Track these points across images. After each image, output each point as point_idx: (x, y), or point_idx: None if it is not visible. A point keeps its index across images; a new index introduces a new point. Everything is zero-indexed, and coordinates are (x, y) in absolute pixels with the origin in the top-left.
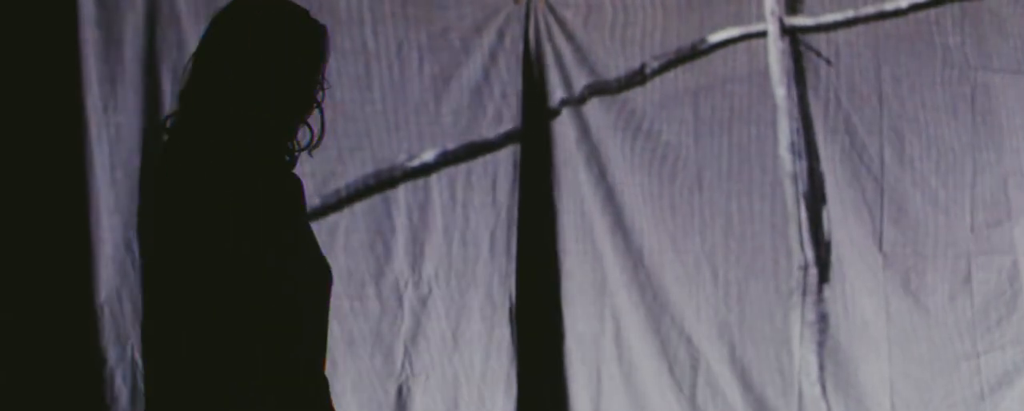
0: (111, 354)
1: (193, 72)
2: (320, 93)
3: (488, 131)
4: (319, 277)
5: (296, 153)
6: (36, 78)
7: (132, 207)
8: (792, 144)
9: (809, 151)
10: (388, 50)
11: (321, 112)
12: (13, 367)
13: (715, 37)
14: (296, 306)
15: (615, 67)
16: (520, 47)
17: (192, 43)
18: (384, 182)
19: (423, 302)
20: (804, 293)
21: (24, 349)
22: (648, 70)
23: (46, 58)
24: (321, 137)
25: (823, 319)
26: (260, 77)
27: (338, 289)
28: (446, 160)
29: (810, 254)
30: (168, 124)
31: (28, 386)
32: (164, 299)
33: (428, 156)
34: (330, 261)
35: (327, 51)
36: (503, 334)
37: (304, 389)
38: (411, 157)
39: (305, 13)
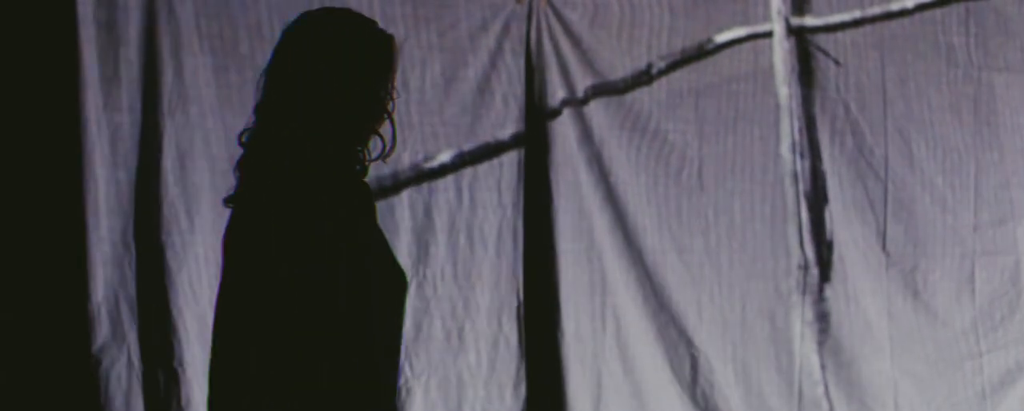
0: (107, 355)
1: (266, 85)
2: (390, 103)
3: (498, 132)
4: (396, 284)
5: (368, 162)
6: (35, 77)
7: (131, 208)
8: (794, 143)
9: (812, 150)
10: (407, 52)
11: (391, 122)
12: (9, 367)
13: (722, 37)
14: (373, 314)
15: (622, 67)
16: (522, 47)
17: (192, 43)
18: (401, 183)
19: (427, 302)
20: (804, 293)
21: (20, 349)
22: (655, 70)
23: (45, 57)
24: (393, 146)
25: (823, 318)
26: (332, 88)
27: None
28: (463, 161)
29: (810, 253)
30: (243, 138)
31: (24, 386)
32: (238, 311)
33: (445, 157)
34: None
35: (396, 61)
36: (510, 333)
37: (377, 398)
38: (427, 158)
39: (374, 24)
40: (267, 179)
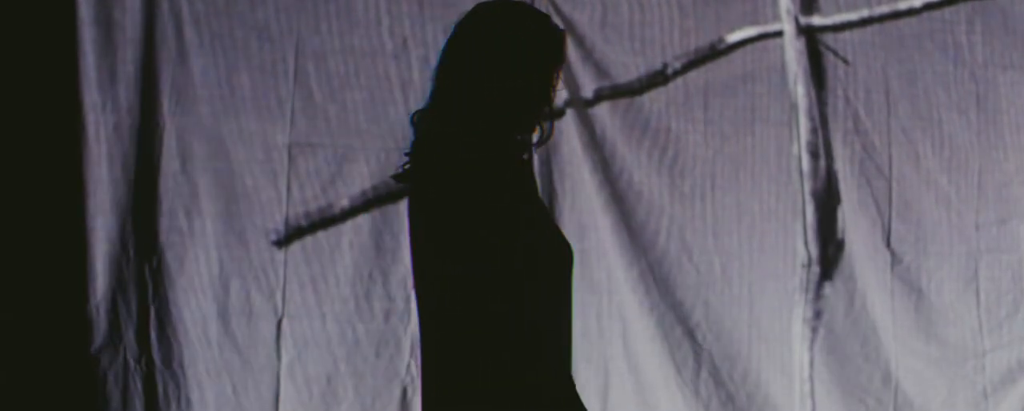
0: (106, 356)
1: (440, 73)
2: (554, 92)
3: None
4: (564, 256)
5: (534, 146)
6: (35, 77)
7: (130, 208)
8: (809, 143)
9: (826, 150)
10: (405, 49)
11: (551, 110)
12: (8, 368)
13: (733, 37)
14: (546, 284)
15: (635, 68)
16: None
17: (191, 42)
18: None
19: None
20: (805, 291)
21: (19, 350)
22: (670, 70)
23: (45, 57)
24: (551, 133)
25: (818, 316)
26: (503, 77)
27: (343, 291)
28: None
29: (814, 252)
30: (415, 120)
31: (23, 387)
32: (429, 290)
33: None
34: (333, 260)
35: (564, 53)
36: None
37: (556, 368)
38: None
39: (545, 17)
40: (440, 162)
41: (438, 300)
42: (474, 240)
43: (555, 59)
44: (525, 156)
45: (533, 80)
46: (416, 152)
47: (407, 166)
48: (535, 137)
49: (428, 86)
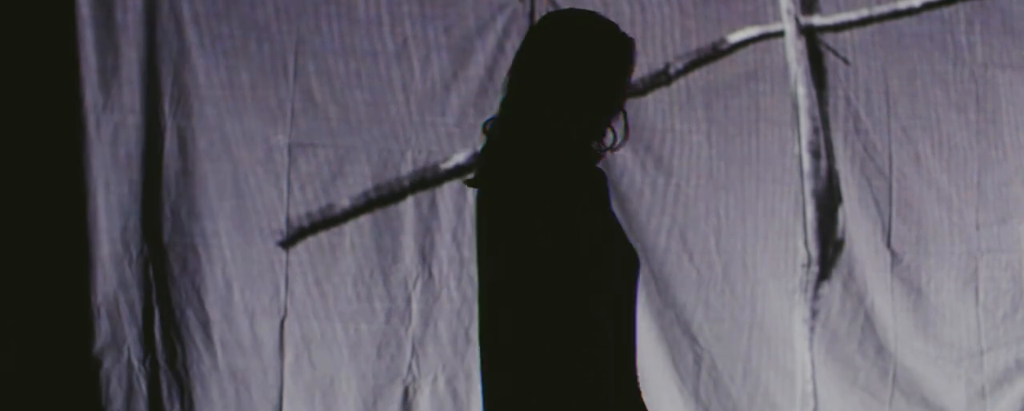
0: (107, 356)
1: (513, 80)
2: (625, 99)
3: None
4: (630, 263)
5: (603, 153)
6: (35, 77)
7: (131, 208)
8: (810, 143)
9: (827, 150)
10: (407, 50)
11: (625, 116)
12: (10, 368)
13: (735, 37)
14: (612, 293)
15: (637, 68)
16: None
17: (193, 43)
18: (428, 181)
19: (434, 302)
20: (804, 291)
21: (21, 350)
22: (673, 70)
23: (45, 57)
24: (625, 138)
25: (815, 315)
26: (576, 84)
27: (345, 291)
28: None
29: (814, 251)
30: (487, 128)
31: (24, 387)
32: (494, 293)
33: (460, 157)
34: (335, 260)
35: (634, 61)
36: None
37: (620, 374)
38: (445, 158)
39: (614, 26)
40: (514, 167)
41: (505, 312)
42: (545, 250)
43: (626, 66)
44: (598, 163)
45: (606, 87)
46: (488, 159)
47: (479, 173)
48: (607, 143)
49: (425, 89)
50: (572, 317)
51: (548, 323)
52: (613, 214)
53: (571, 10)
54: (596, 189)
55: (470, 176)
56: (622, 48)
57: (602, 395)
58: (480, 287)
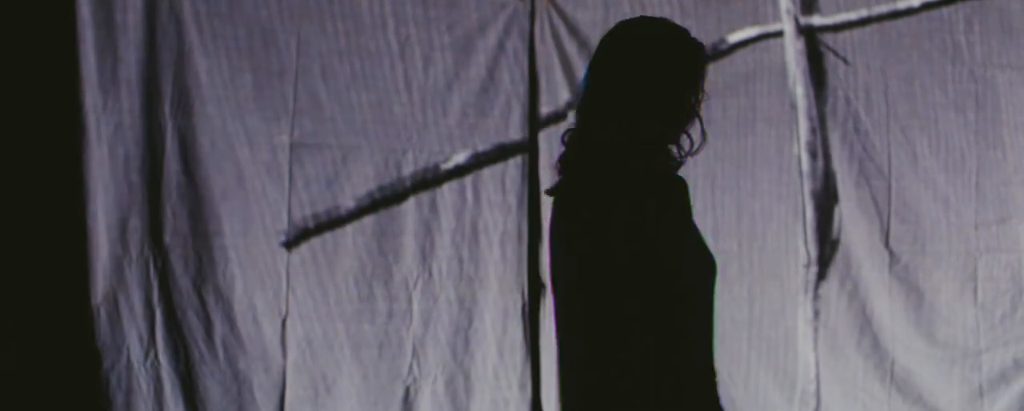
0: (107, 356)
1: (588, 87)
2: (699, 104)
3: (508, 133)
4: (710, 272)
5: (682, 158)
6: (35, 78)
7: (131, 209)
8: (808, 143)
9: (824, 150)
10: (410, 50)
11: (700, 121)
12: (8, 368)
13: (734, 37)
14: (694, 302)
15: None
16: (525, 47)
17: (192, 43)
18: (430, 181)
19: (434, 302)
20: (805, 291)
21: (20, 350)
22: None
23: (45, 57)
24: (703, 143)
25: (817, 315)
26: (651, 92)
27: (347, 291)
28: (479, 162)
29: (813, 252)
30: (565, 138)
31: (24, 387)
32: (576, 302)
33: (460, 158)
34: (338, 261)
35: (706, 67)
36: (516, 333)
37: (703, 378)
38: (447, 159)
39: (686, 32)
40: (594, 176)
41: (587, 321)
42: (627, 260)
43: (698, 71)
44: (674, 164)
45: (680, 94)
46: (566, 169)
47: (559, 181)
48: (685, 149)
49: (427, 89)
50: (655, 327)
51: (631, 334)
52: (692, 221)
53: (644, 18)
54: (676, 197)
55: (551, 186)
56: (694, 54)
57: (686, 405)
58: (559, 295)
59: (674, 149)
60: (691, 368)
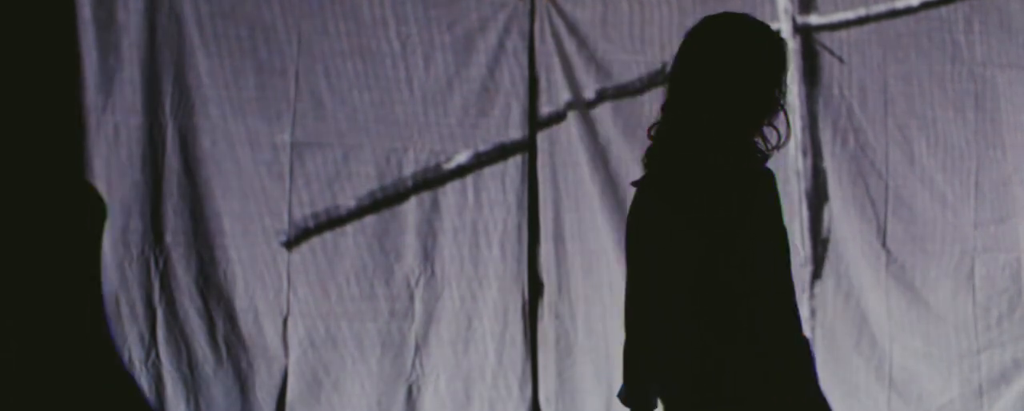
0: None
1: (674, 83)
2: (782, 98)
3: (508, 132)
4: (788, 250)
5: (768, 151)
6: (35, 78)
7: (131, 209)
8: (801, 142)
9: (814, 148)
10: (410, 50)
11: (785, 114)
12: (9, 368)
13: None
14: (782, 291)
15: (635, 68)
16: (525, 47)
17: (193, 42)
18: (431, 181)
19: (435, 301)
20: (802, 290)
21: (21, 351)
22: (669, 70)
23: (45, 58)
24: (788, 136)
25: (813, 315)
26: (736, 86)
27: (350, 290)
28: (480, 162)
29: (808, 251)
30: (652, 132)
31: (26, 389)
32: (679, 284)
33: (462, 157)
34: (339, 259)
35: (788, 61)
36: (516, 332)
37: (804, 342)
38: (448, 158)
39: (768, 28)
40: (680, 168)
41: (683, 309)
42: (719, 250)
43: (781, 66)
44: (761, 155)
45: (764, 88)
46: (655, 161)
47: (647, 175)
48: (772, 141)
49: (428, 88)
50: (749, 313)
51: (725, 322)
52: (781, 214)
53: (728, 13)
54: (761, 189)
55: (637, 179)
56: (777, 49)
57: (791, 388)
58: (635, 280)
59: (759, 142)
60: (794, 356)
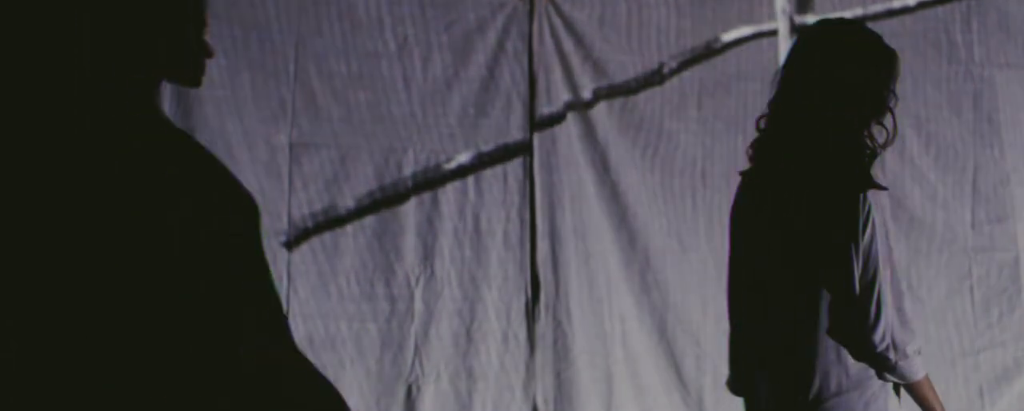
0: None
1: (785, 82)
2: (892, 101)
3: (510, 132)
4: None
5: (878, 151)
6: (33, 78)
7: None
8: None
9: None
10: (407, 49)
11: (893, 117)
12: (10, 369)
13: (728, 36)
14: (881, 277)
15: (632, 67)
16: (525, 47)
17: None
18: (431, 181)
19: (436, 300)
20: None
21: (21, 351)
22: (666, 70)
23: (43, 59)
24: (895, 136)
25: None
26: (858, 85)
27: (350, 290)
28: (482, 162)
29: None
30: (761, 125)
31: (24, 388)
32: (771, 279)
33: (463, 157)
34: (339, 260)
35: (899, 67)
36: (518, 331)
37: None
38: (448, 158)
39: (879, 36)
40: (791, 161)
41: (806, 297)
42: (845, 245)
43: (893, 71)
44: (870, 154)
45: (880, 90)
46: (765, 155)
47: (754, 172)
48: (880, 141)
49: (426, 88)
50: (868, 300)
51: (815, 321)
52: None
53: (843, 19)
54: (863, 197)
55: (744, 168)
56: (887, 55)
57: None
58: (741, 269)
59: (867, 141)
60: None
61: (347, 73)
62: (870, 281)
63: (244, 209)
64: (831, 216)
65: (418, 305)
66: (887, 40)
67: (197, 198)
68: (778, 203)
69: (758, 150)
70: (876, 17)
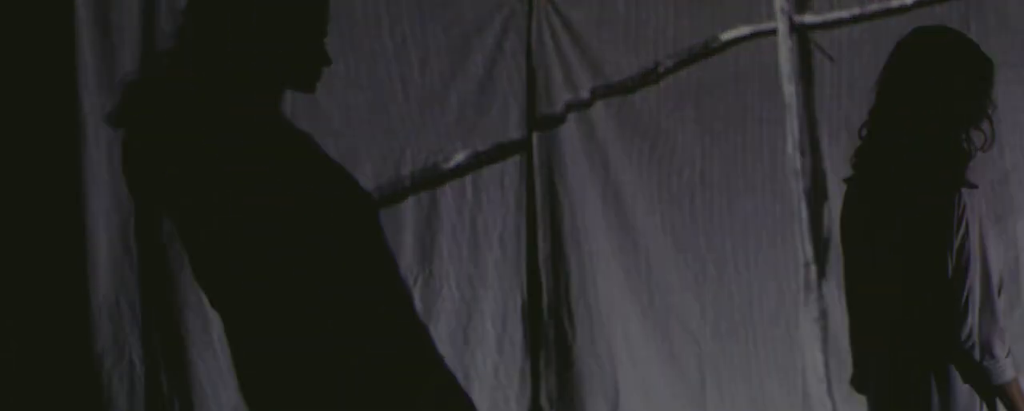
0: (108, 356)
1: (884, 88)
2: (992, 107)
3: (507, 132)
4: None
5: (973, 152)
6: (33, 79)
7: (130, 209)
8: (799, 142)
9: (813, 148)
10: (405, 49)
11: (990, 121)
12: (10, 369)
13: (726, 35)
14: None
15: (627, 66)
16: (523, 46)
17: None
18: (418, 183)
19: (433, 302)
20: (807, 290)
21: (20, 350)
22: (662, 69)
23: (43, 59)
24: (993, 141)
25: (824, 315)
26: (950, 94)
27: None
28: (479, 161)
29: (810, 251)
30: (862, 133)
31: (25, 388)
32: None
33: (460, 157)
34: None
35: (994, 76)
36: (515, 333)
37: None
38: (446, 158)
39: (976, 44)
40: (896, 166)
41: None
42: (938, 244)
43: (990, 79)
44: (966, 157)
45: (979, 97)
46: (868, 162)
47: (857, 172)
48: (976, 145)
49: (424, 88)
50: (956, 298)
51: (914, 331)
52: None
53: (942, 27)
54: (964, 186)
55: (847, 176)
56: (985, 63)
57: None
58: (856, 272)
59: (965, 144)
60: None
61: (343, 73)
62: (961, 280)
63: (365, 204)
64: (927, 216)
65: (416, 305)
66: (886, 40)
67: (326, 192)
68: (881, 208)
69: (860, 157)
70: (874, 16)
